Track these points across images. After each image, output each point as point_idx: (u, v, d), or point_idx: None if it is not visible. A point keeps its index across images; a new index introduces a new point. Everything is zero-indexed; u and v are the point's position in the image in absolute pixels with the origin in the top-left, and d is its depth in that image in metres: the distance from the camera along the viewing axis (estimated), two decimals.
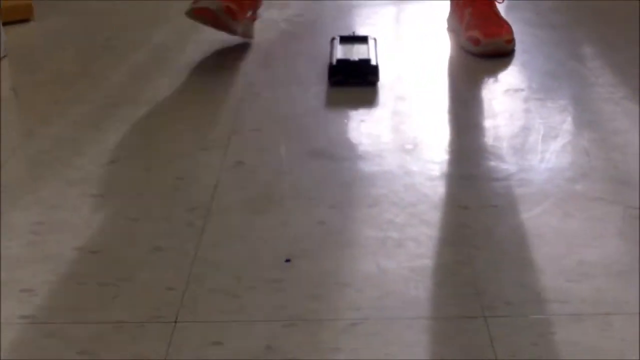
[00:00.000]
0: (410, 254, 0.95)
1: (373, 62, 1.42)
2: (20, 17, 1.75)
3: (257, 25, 1.73)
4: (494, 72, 1.49)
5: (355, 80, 1.40)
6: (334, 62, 1.42)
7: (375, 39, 1.55)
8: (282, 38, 1.69)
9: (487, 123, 1.29)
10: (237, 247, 0.97)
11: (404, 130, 1.27)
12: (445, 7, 1.71)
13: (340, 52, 1.48)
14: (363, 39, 1.55)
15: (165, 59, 1.55)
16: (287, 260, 0.94)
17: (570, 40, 1.64)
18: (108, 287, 0.89)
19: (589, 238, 0.97)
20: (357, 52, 1.48)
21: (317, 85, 1.43)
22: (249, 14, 1.59)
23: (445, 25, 1.69)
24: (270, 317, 0.84)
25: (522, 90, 1.41)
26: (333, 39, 1.54)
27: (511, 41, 1.55)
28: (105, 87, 1.44)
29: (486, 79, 1.46)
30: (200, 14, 1.49)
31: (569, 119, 1.29)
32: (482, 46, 1.53)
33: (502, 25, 1.57)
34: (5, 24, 1.61)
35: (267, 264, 0.93)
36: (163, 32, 1.72)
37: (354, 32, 1.61)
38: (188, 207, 1.05)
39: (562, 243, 0.96)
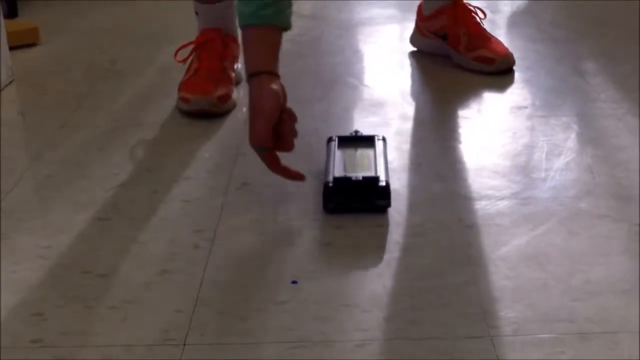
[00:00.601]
0: (415, 274, 0.95)
1: (382, 181, 1.09)
2: (26, 42, 1.76)
3: None
4: (499, 89, 1.50)
5: (359, 206, 1.09)
6: (330, 181, 1.10)
7: (384, 140, 1.21)
8: (285, 58, 1.69)
9: (492, 141, 1.30)
10: (244, 269, 0.97)
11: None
12: None
13: (339, 164, 1.15)
14: (368, 141, 1.21)
15: (170, 81, 1.56)
16: (294, 282, 0.95)
17: (572, 55, 1.65)
18: (116, 310, 0.90)
19: (594, 256, 0.98)
20: (360, 164, 1.15)
21: (319, 102, 1.44)
22: (235, 70, 1.51)
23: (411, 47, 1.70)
24: (278, 339, 0.85)
25: (526, 107, 1.42)
26: (330, 140, 1.22)
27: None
28: (111, 109, 1.45)
29: (491, 97, 1.47)
30: (197, 114, 1.40)
31: (573, 136, 1.30)
32: (497, 64, 1.55)
33: (500, 41, 1.59)
34: (11, 48, 1.62)
35: (274, 285, 0.94)
36: (167, 53, 1.73)
37: (356, 132, 1.24)
38: (194, 229, 1.06)
39: (567, 261, 0.97)
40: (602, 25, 1.82)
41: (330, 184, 1.09)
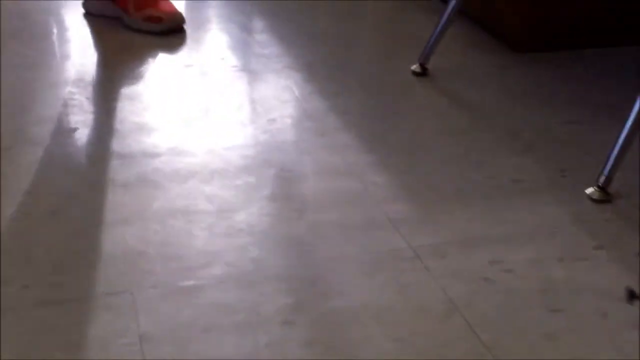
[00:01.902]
0: (66, 236, 0.96)
1: None
2: None
3: None
4: (167, 48, 1.53)
5: None
6: None
7: None
8: None
9: (155, 100, 1.32)
10: None
11: None
12: None
13: None
14: None
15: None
16: None
17: (242, 14, 1.71)
18: None
19: (240, 204, 1.04)
20: None
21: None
22: None
23: (82, 10, 1.69)
24: None
25: (192, 65, 1.45)
26: None
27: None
28: None
29: (160, 56, 1.50)
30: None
31: (235, 90, 1.36)
32: (166, 23, 1.56)
33: (169, 1, 1.61)
34: None
35: None
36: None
37: None
38: None
39: (214, 210, 1.02)
40: None
41: None
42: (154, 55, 1.50)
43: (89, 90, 1.35)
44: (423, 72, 1.42)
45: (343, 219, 1.00)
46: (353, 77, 1.43)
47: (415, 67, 1.43)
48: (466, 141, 1.20)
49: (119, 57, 1.49)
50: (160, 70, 1.44)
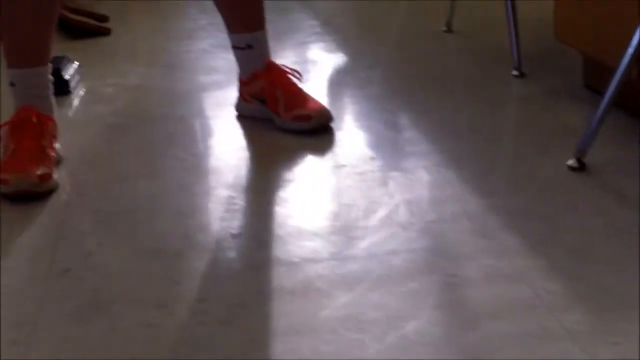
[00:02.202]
0: (241, 345, 0.97)
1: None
2: None
3: (84, 121, 1.73)
4: (319, 149, 1.55)
5: None
6: None
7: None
8: (111, 134, 1.69)
9: (312, 203, 1.34)
10: None
11: (236, 216, 1.30)
12: None
13: None
14: None
15: None
16: None
17: (387, 110, 1.73)
18: None
19: (409, 311, 1.02)
20: None
21: (147, 179, 1.45)
22: (55, 150, 1.50)
23: (234, 112, 1.74)
24: None
25: (344, 166, 1.47)
26: None
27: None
28: None
29: (311, 158, 1.52)
30: (18, 195, 1.37)
31: (389, 191, 1.36)
32: (314, 121, 1.60)
33: (316, 99, 1.66)
34: None
35: None
36: None
37: None
38: (12, 323, 1.04)
39: (384, 319, 1.01)
40: (415, 82, 1.92)
41: None
42: (306, 156, 1.53)
43: (247, 194, 1.39)
44: (581, 167, 1.39)
45: (516, 329, 0.97)
46: (507, 173, 1.41)
47: (571, 162, 1.40)
48: (638, 243, 1.16)
49: (273, 159, 1.53)
50: (313, 171, 1.47)
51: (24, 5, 1.47)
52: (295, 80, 1.67)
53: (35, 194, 1.37)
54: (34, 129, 1.46)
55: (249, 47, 1.66)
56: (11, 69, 1.51)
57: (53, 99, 1.56)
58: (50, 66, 1.55)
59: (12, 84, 1.51)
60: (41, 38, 1.51)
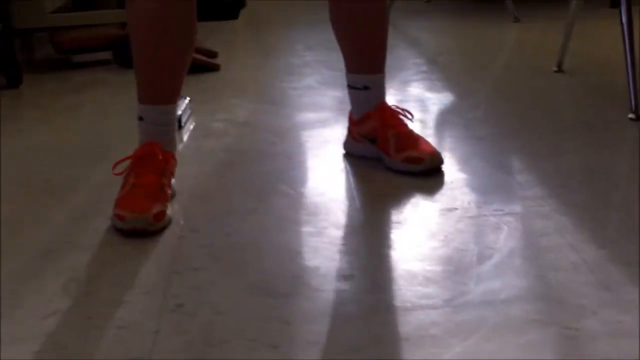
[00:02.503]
0: None
1: None
2: None
3: (195, 155, 1.76)
4: (429, 191, 1.54)
5: None
6: None
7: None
8: (219, 168, 1.72)
9: (424, 246, 1.32)
10: None
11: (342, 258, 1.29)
12: None
13: None
14: None
15: (104, 199, 1.57)
16: None
17: (499, 152, 1.70)
18: None
19: None
20: None
21: (256, 215, 1.46)
22: (171, 186, 1.55)
23: (341, 151, 1.74)
24: None
25: (456, 209, 1.45)
26: None
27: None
28: (45, 232, 1.44)
29: (421, 200, 1.51)
30: (132, 232, 1.41)
31: (502, 236, 1.33)
32: (425, 163, 1.59)
33: (427, 141, 1.64)
34: None
35: None
36: (102, 170, 1.74)
37: None
38: (128, 357, 1.05)
39: None
40: (526, 123, 1.88)
41: None
42: (416, 198, 1.51)
43: (357, 235, 1.38)
44: None
45: None
46: (626, 222, 1.36)
47: None
48: None
49: (382, 200, 1.52)
50: (423, 213, 1.45)
51: (164, 49, 1.51)
52: (406, 121, 1.66)
53: (149, 232, 1.40)
54: (157, 165, 1.49)
55: (366, 88, 1.66)
56: (142, 104, 1.54)
57: (177, 137, 1.59)
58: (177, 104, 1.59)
59: (140, 119, 1.55)
60: (176, 79, 1.55)
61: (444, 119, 1.95)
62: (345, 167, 1.68)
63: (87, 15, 3.00)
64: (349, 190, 1.58)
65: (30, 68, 2.80)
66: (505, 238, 1.33)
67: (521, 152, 1.70)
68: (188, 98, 2.08)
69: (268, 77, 2.47)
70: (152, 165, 1.48)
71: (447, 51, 2.72)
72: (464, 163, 1.67)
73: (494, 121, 1.90)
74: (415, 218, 1.43)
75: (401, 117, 1.66)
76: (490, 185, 1.54)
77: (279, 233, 1.39)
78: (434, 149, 1.62)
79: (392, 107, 1.67)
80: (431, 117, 1.98)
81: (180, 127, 1.95)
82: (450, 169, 1.63)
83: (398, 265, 1.26)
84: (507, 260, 1.25)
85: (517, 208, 1.44)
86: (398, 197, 1.52)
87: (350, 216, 1.45)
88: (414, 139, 1.63)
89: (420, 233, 1.37)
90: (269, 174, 1.67)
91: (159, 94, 1.53)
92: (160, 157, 1.49)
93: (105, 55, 2.75)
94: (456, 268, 1.24)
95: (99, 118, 2.13)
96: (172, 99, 1.55)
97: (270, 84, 2.38)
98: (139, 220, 1.39)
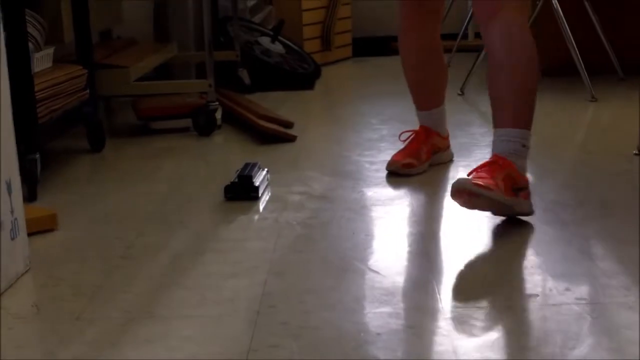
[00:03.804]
0: None
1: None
2: (44, 228, 1.80)
3: (272, 228, 1.78)
4: (509, 275, 1.51)
5: None
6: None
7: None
8: (296, 243, 1.72)
9: (507, 333, 1.29)
10: None
11: None
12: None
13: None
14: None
15: (181, 268, 1.59)
16: None
17: (580, 237, 1.66)
18: None
19: None
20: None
21: (334, 294, 1.45)
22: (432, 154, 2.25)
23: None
24: None
25: (537, 295, 1.42)
26: None
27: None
28: (125, 300, 1.46)
29: (501, 284, 1.48)
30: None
31: (586, 327, 1.30)
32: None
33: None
34: (29, 234, 1.65)
35: None
36: (181, 238, 1.76)
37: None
38: None
39: None
40: (608, 208, 1.85)
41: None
42: (495, 281, 1.49)
43: (433, 320, 1.36)
44: None
45: None
46: None
47: None
48: None
49: (461, 283, 1.50)
50: (503, 298, 1.42)
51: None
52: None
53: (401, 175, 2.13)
54: (419, 138, 2.23)
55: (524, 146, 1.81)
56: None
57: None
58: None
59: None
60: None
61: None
62: (423, 246, 1.67)
63: (168, 84, 3.09)
64: (426, 271, 1.56)
65: (111, 132, 2.89)
66: (589, 329, 1.29)
67: (604, 238, 1.66)
68: (266, 169, 2.11)
69: (344, 150, 2.49)
70: (416, 137, 2.23)
71: None
72: (545, 247, 1.64)
73: (575, 205, 1.87)
74: (496, 302, 1.41)
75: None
76: (573, 272, 1.51)
77: (357, 314, 1.38)
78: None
79: None
80: None
81: (257, 197, 1.98)
82: (530, 252, 1.61)
83: (477, 353, 1.23)
84: (591, 353, 1.21)
85: (601, 297, 1.40)
86: (477, 280, 1.50)
87: (427, 299, 1.43)
88: None
89: (501, 320, 1.34)
90: (346, 250, 1.67)
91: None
92: (424, 133, 2.25)
93: (185, 122, 2.81)
94: (539, 357, 1.21)
95: (176, 185, 2.17)
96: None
97: (347, 157, 2.40)
98: (393, 165, 2.18)
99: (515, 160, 1.75)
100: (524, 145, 1.78)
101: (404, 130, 2.24)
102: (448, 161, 2.27)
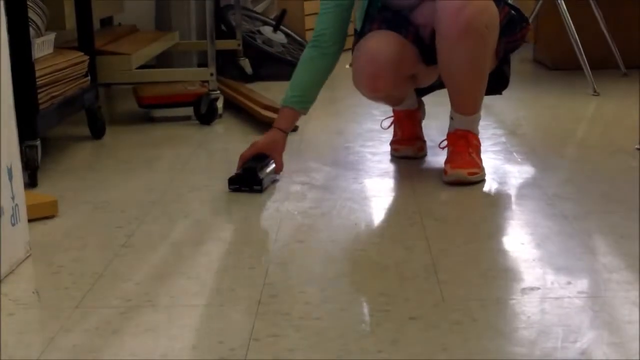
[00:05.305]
0: None
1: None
2: (44, 215, 1.80)
3: (273, 217, 1.77)
4: (510, 269, 1.51)
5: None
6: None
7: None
8: (298, 232, 1.72)
9: (505, 327, 1.29)
10: None
11: None
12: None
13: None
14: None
15: (182, 257, 1.58)
16: None
17: (582, 232, 1.66)
18: None
19: None
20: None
21: (336, 286, 1.45)
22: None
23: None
24: None
25: (538, 288, 1.42)
26: None
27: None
28: (125, 289, 1.46)
29: (501, 276, 1.48)
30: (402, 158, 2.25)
31: (587, 320, 1.30)
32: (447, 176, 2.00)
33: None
34: (30, 220, 1.65)
35: None
36: (181, 228, 1.76)
37: None
38: None
39: None
40: (610, 202, 1.84)
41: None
42: (496, 274, 1.49)
43: (434, 311, 1.36)
44: None
45: None
46: None
47: None
48: None
49: (461, 275, 1.50)
50: (503, 293, 1.42)
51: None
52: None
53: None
54: (414, 120, 2.32)
55: None
56: None
57: None
58: None
59: None
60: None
61: (526, 195, 1.92)
62: (426, 237, 1.67)
63: (170, 72, 3.08)
64: (427, 262, 1.56)
65: (112, 120, 2.88)
66: (590, 323, 1.29)
67: (606, 232, 1.66)
68: (274, 163, 2.08)
69: (345, 140, 2.49)
70: (410, 121, 2.31)
71: (526, 122, 2.69)
72: (546, 241, 1.64)
73: (577, 199, 1.87)
74: (497, 295, 1.40)
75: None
76: (574, 266, 1.51)
77: (359, 305, 1.38)
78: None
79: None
80: (512, 191, 1.96)
81: (260, 190, 1.97)
82: (532, 246, 1.60)
83: (478, 346, 1.23)
84: (592, 347, 1.21)
85: (603, 292, 1.40)
86: (477, 272, 1.50)
87: (428, 291, 1.43)
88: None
89: (500, 313, 1.34)
90: (348, 240, 1.67)
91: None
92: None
93: (186, 111, 2.80)
94: (540, 353, 1.21)
95: (177, 174, 2.17)
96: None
97: (348, 147, 2.40)
98: (409, 150, 2.27)
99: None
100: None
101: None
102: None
